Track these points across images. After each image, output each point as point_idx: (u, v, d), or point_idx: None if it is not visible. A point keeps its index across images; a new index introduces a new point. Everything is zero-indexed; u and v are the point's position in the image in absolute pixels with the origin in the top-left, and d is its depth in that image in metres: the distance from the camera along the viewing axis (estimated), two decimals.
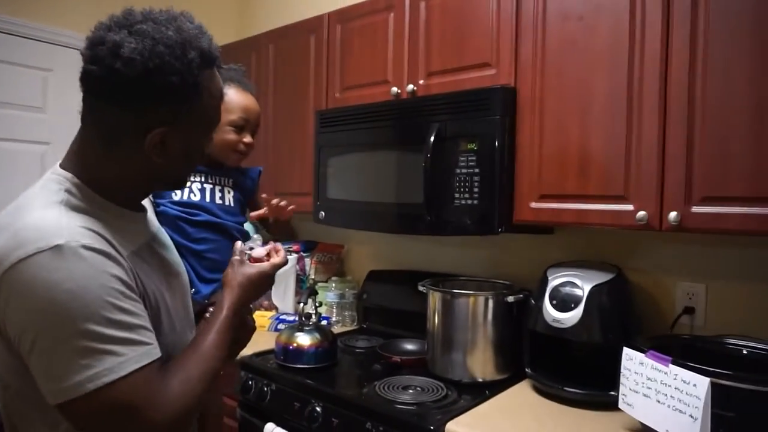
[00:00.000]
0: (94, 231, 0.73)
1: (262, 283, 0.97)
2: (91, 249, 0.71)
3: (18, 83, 2.37)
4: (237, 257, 0.99)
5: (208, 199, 1.35)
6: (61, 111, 2.51)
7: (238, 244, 1.01)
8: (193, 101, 0.80)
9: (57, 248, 0.68)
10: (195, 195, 1.33)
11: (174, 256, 0.99)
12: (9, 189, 2.37)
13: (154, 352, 0.74)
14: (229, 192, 1.40)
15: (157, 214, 1.28)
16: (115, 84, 0.74)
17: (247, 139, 1.37)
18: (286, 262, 1.01)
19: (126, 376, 0.69)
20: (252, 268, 0.96)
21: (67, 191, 0.78)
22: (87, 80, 0.77)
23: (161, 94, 0.77)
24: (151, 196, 1.11)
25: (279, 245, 1.03)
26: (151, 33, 0.74)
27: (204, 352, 0.82)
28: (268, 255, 1.02)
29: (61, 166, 0.82)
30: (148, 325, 0.76)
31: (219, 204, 1.36)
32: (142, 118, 0.77)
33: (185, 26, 0.78)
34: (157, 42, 0.74)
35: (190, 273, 1.11)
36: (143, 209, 0.92)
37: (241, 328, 0.95)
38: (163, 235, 0.99)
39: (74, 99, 2.75)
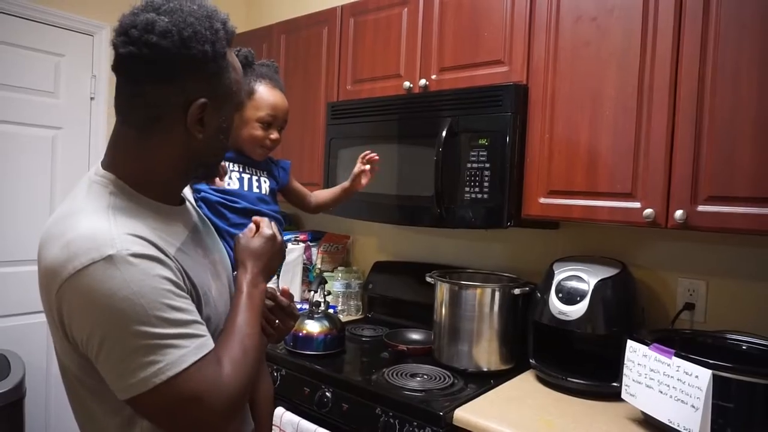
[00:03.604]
0: (140, 237, 0.77)
1: (267, 249, 0.99)
2: (139, 256, 0.74)
3: (30, 68, 2.38)
4: (239, 235, 1.02)
5: (246, 188, 1.42)
6: (73, 96, 2.53)
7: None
8: (223, 73, 0.85)
9: (109, 258, 0.72)
10: (234, 184, 1.40)
11: (215, 241, 1.03)
12: (20, 172, 2.40)
13: (209, 343, 0.78)
14: (264, 182, 1.48)
15: (198, 200, 1.34)
16: (155, 59, 0.77)
17: (274, 135, 1.44)
18: (272, 222, 1.05)
19: (188, 367, 0.74)
20: (252, 240, 0.99)
21: (112, 194, 0.81)
22: (124, 64, 0.79)
23: (198, 64, 0.80)
24: (190, 186, 1.15)
25: (257, 217, 1.07)
26: (179, 8, 0.79)
27: (239, 331, 0.85)
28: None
29: (103, 165, 0.85)
30: (200, 318, 0.80)
31: (256, 193, 1.44)
32: (182, 91, 0.81)
33: (205, 2, 0.84)
34: (187, 14, 0.79)
35: (231, 256, 1.15)
36: (183, 201, 0.95)
37: (278, 310, 1.01)
38: (204, 221, 1.03)
39: (85, 84, 2.77)
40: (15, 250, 2.38)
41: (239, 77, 0.89)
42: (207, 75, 0.82)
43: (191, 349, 0.75)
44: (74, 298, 0.72)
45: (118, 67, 0.81)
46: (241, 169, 1.43)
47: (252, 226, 1.03)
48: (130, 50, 0.77)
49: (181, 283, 0.79)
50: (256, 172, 1.47)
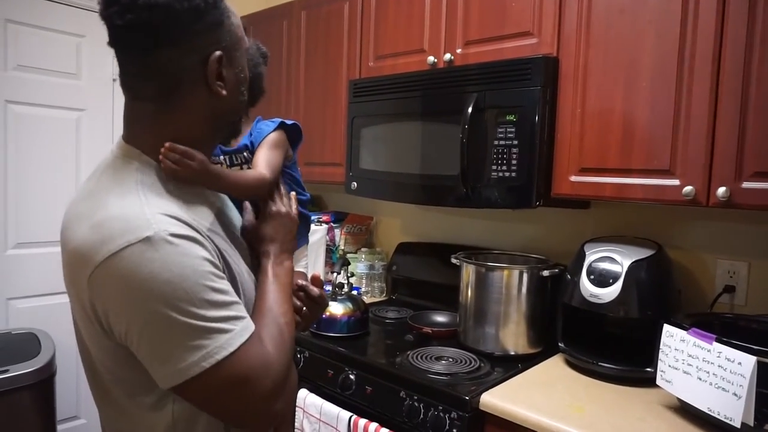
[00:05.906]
0: (175, 217, 0.73)
1: (279, 229, 0.96)
2: (178, 236, 0.70)
3: (51, 49, 2.38)
4: (246, 226, 0.98)
5: None
6: (95, 77, 2.53)
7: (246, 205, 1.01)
8: (225, 19, 0.80)
9: (147, 240, 0.68)
10: None
11: (239, 221, 0.99)
12: (46, 154, 2.41)
13: (251, 325, 0.76)
14: None
15: None
16: (159, 20, 0.73)
17: None
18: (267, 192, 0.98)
19: (236, 350, 0.71)
20: (262, 227, 0.96)
21: (138, 170, 0.77)
22: (125, 36, 0.75)
23: (201, 15, 0.75)
24: None
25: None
26: None
27: (270, 311, 0.84)
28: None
29: (124, 139, 0.81)
30: (239, 299, 0.77)
31: None
32: (193, 50, 0.76)
33: None
34: None
35: None
36: None
37: (306, 298, 0.99)
38: (227, 199, 0.99)
39: (108, 65, 2.75)
40: (43, 231, 2.41)
41: (238, 20, 0.84)
42: (212, 25, 0.77)
43: (237, 331, 0.72)
44: (110, 283, 0.68)
45: (117, 41, 0.76)
46: (228, 163, 1.18)
47: (248, 207, 0.99)
48: (129, 19, 0.72)
49: (218, 263, 0.76)
50: (246, 158, 1.17)
